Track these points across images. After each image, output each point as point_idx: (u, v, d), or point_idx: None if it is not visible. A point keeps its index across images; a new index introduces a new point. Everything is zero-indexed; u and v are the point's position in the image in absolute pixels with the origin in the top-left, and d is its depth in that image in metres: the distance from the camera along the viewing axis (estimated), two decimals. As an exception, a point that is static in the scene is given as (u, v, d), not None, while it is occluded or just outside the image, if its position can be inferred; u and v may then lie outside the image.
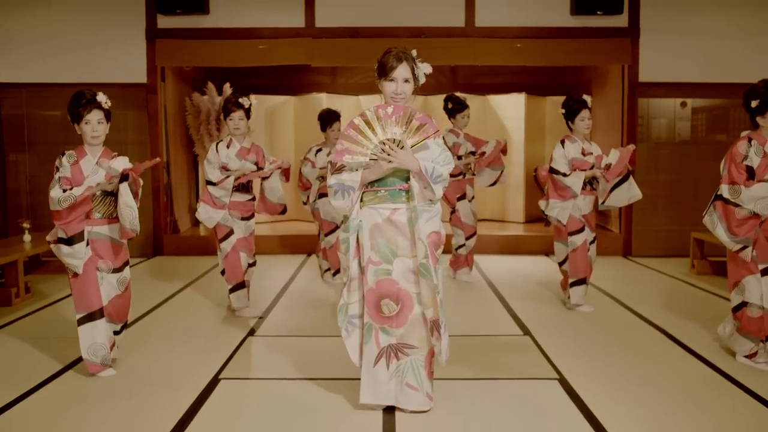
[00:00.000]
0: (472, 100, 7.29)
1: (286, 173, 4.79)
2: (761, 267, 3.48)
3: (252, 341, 4.04)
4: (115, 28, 7.00)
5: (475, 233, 5.83)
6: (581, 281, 4.72)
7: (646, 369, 3.51)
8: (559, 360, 3.64)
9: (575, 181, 4.55)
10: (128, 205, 3.30)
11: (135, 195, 3.37)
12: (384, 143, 2.80)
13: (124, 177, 3.31)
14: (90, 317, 3.36)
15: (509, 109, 8.60)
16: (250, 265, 4.69)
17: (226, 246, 4.56)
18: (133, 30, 7.00)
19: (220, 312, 4.74)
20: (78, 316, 3.37)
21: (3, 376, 3.44)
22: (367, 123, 2.82)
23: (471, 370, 3.46)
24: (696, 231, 6.22)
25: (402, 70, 2.84)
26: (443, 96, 5.90)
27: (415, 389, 2.88)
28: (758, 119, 3.50)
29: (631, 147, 4.58)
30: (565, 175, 4.57)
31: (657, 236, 7.19)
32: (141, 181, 3.46)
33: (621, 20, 7.01)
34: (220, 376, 3.39)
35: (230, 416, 2.92)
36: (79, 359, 3.55)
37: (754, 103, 3.47)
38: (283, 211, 4.79)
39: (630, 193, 4.60)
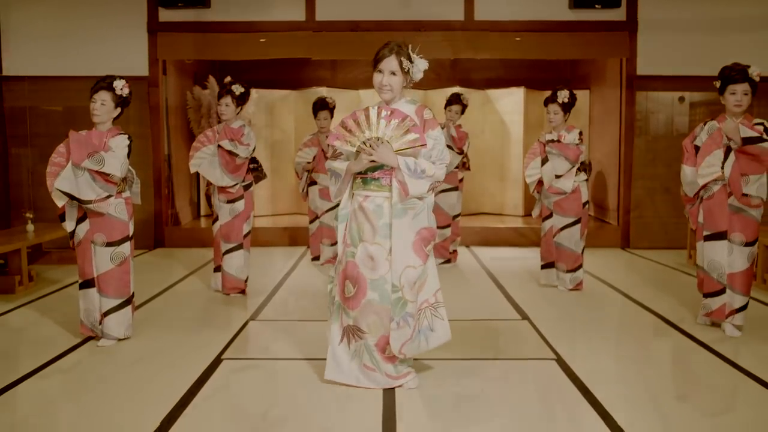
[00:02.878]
0: (471, 94, 7.35)
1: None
2: (705, 234, 3.79)
3: (253, 325, 4.09)
4: (117, 21, 7.04)
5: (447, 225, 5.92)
6: (548, 265, 5.07)
7: (642, 349, 3.56)
8: (557, 342, 3.68)
9: (529, 176, 5.06)
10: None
11: (106, 181, 3.52)
12: (369, 139, 2.84)
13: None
14: (85, 284, 3.64)
15: (508, 104, 8.64)
16: (228, 251, 4.80)
17: (214, 229, 4.94)
18: (135, 23, 7.05)
19: (222, 298, 4.79)
20: (79, 282, 3.67)
21: (7, 357, 3.49)
22: (366, 117, 2.87)
23: (470, 351, 3.51)
24: (693, 222, 6.26)
25: (388, 63, 2.86)
26: (443, 90, 5.96)
27: (372, 370, 2.95)
28: (721, 99, 3.71)
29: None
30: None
31: (655, 228, 7.24)
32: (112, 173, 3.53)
33: (619, 14, 7.05)
34: (222, 357, 3.44)
35: (232, 393, 2.97)
36: (83, 342, 3.70)
37: (717, 84, 3.71)
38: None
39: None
